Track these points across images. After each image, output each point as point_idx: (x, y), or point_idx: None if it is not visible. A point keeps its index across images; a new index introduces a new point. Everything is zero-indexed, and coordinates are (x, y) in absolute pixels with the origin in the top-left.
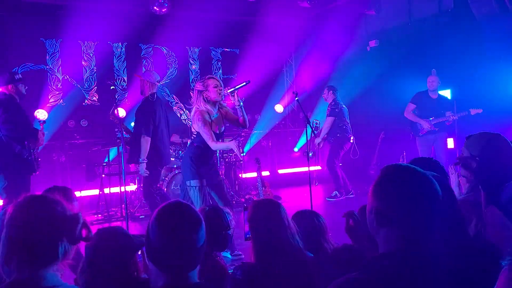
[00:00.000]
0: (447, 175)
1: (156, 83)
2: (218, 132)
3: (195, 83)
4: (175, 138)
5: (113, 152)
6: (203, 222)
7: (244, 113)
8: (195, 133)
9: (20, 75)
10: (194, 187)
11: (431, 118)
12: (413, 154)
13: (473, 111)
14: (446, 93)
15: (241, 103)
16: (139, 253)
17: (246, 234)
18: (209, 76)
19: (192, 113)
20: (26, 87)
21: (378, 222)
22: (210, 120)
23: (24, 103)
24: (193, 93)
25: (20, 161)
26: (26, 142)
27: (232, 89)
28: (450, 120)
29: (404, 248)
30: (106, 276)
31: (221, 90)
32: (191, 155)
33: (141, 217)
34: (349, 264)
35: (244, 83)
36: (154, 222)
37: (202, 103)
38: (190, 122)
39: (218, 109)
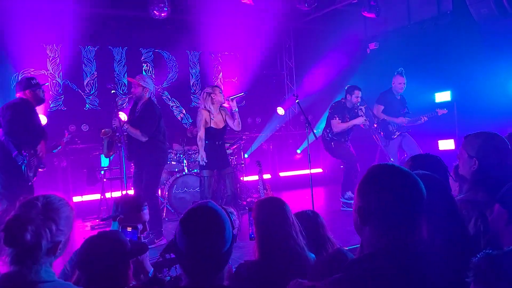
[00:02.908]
0: (447, 170)
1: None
2: (216, 127)
3: (206, 87)
4: (177, 147)
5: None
6: (228, 225)
7: (239, 117)
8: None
9: (36, 80)
10: (205, 177)
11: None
12: None
13: (439, 111)
14: (446, 95)
15: (237, 109)
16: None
17: (251, 234)
18: (215, 85)
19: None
20: (44, 92)
21: (360, 220)
22: (210, 119)
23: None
24: (194, 96)
25: (15, 167)
26: (23, 149)
27: (234, 96)
28: (422, 121)
29: (385, 248)
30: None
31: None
32: (206, 150)
33: None
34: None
35: (242, 93)
36: (179, 226)
37: (209, 103)
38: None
39: (220, 110)
